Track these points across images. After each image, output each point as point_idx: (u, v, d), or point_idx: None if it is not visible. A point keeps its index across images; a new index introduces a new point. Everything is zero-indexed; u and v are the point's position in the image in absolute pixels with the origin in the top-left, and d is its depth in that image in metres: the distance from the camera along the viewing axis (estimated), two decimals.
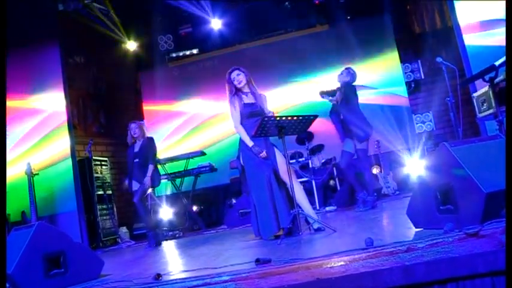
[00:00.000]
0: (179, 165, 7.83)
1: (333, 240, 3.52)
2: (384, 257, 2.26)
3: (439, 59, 4.71)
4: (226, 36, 9.44)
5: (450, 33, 7.15)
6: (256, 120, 4.33)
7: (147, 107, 9.66)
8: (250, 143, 4.37)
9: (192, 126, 9.49)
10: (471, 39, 6.33)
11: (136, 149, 6.03)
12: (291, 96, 9.16)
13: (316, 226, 4.19)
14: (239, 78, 4.53)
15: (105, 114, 8.77)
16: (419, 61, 9.00)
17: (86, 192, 6.88)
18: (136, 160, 5.97)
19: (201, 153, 7.80)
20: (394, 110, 8.74)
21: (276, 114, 4.32)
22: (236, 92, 4.54)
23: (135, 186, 5.98)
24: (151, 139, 6.15)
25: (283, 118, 4.10)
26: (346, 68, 6.13)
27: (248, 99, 4.54)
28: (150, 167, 5.90)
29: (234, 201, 7.57)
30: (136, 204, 5.90)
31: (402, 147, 8.45)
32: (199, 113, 9.50)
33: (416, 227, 3.07)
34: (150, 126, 9.53)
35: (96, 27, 7.92)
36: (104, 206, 7.31)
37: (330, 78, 8.54)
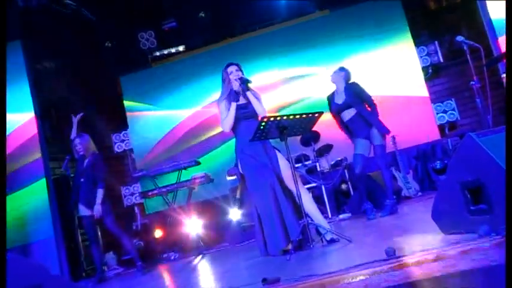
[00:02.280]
0: (171, 178, 7.78)
1: (349, 252, 3.51)
2: (409, 268, 2.23)
3: (459, 38, 4.65)
4: (216, 29, 9.40)
5: (472, 6, 7.04)
6: (250, 122, 4.42)
7: (131, 114, 9.60)
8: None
9: (183, 133, 9.44)
10: (498, 11, 6.21)
11: (83, 167, 5.94)
12: (293, 91, 9.13)
13: (329, 237, 4.17)
14: (238, 73, 4.54)
15: (83, 125, 8.72)
16: (436, 42, 8.86)
17: (64, 216, 6.81)
18: (83, 180, 5.89)
19: (195, 163, 7.73)
20: (411, 100, 8.70)
21: (275, 114, 4.28)
22: (230, 91, 4.53)
23: (83, 211, 5.89)
24: (98, 156, 6.08)
25: (284, 117, 4.08)
26: (341, 68, 6.10)
27: (240, 99, 4.56)
28: (100, 192, 5.79)
29: (235, 214, 7.52)
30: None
31: (422, 142, 8.40)
32: (189, 117, 9.45)
33: (444, 232, 3.03)
34: (136, 135, 9.48)
35: (67, 26, 7.86)
36: None
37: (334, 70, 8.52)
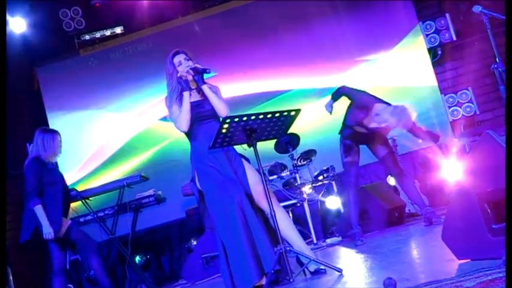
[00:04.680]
0: (109, 199, 7.70)
1: (339, 285, 3.54)
2: None
3: (477, 9, 4.66)
4: (162, 6, 9.33)
5: None
6: (209, 124, 4.45)
7: (54, 119, 9.43)
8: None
9: (124, 140, 9.38)
10: None
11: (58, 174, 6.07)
12: (263, 84, 9.16)
13: (313, 267, 4.22)
14: (188, 63, 4.52)
15: None
16: (447, 15, 8.79)
17: None
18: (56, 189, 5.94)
19: (141, 178, 7.68)
20: (414, 92, 8.78)
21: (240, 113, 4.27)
22: (178, 80, 4.52)
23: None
24: None
25: (253, 117, 4.09)
26: None
27: (194, 96, 4.55)
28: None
29: (194, 243, 7.46)
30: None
31: (430, 144, 8.44)
32: (132, 120, 9.42)
33: (459, 258, 3.06)
34: (62, 144, 9.32)
35: None
36: None
37: (311, 56, 8.60)
